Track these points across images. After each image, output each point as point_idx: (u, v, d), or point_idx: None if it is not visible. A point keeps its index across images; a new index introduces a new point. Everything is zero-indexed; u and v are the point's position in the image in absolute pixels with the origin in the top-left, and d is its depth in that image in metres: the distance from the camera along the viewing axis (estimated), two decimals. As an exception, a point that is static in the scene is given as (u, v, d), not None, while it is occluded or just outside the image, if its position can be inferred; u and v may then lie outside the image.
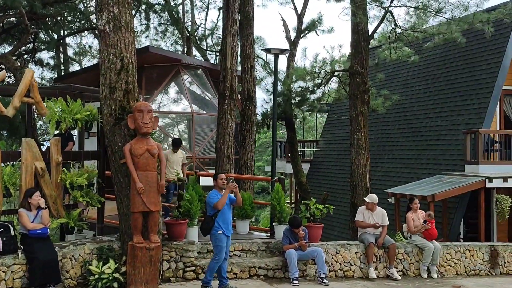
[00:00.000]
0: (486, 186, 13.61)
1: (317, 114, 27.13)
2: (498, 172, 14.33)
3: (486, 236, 14.20)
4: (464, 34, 15.84)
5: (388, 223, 10.43)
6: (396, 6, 15.90)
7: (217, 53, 27.05)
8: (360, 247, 9.99)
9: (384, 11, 15.78)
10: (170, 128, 20.34)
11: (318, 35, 21.31)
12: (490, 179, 13.57)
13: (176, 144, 11.73)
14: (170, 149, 11.74)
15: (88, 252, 8.27)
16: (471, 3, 15.04)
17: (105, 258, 8.14)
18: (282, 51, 9.60)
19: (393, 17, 16.10)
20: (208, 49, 29.37)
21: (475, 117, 15.75)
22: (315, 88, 19.26)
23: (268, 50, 9.39)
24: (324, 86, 18.42)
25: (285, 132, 22.72)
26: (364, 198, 10.29)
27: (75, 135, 13.44)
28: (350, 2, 15.13)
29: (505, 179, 13.72)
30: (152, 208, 7.97)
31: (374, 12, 15.95)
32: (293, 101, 20.82)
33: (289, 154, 24.16)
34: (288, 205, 9.95)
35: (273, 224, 9.96)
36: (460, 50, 17.29)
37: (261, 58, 20.79)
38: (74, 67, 29.36)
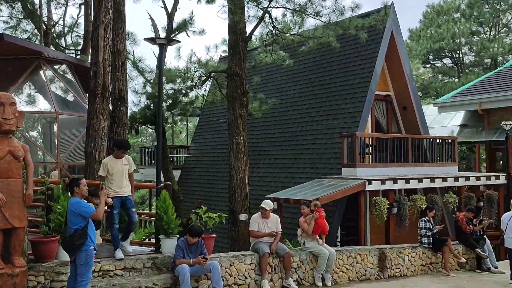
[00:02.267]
0: (366, 189, 13.69)
1: (188, 118, 26.17)
2: (373, 174, 14.54)
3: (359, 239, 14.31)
4: (338, 39, 15.97)
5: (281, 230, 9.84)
6: (274, 7, 15.61)
7: (78, 52, 24.85)
8: (255, 257, 9.22)
9: (262, 11, 15.41)
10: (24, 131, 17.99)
11: (189, 36, 20.41)
12: (370, 182, 13.67)
13: (122, 146, 8.73)
14: (111, 155, 8.83)
15: None
16: (346, 8, 15.23)
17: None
18: (169, 41, 8.53)
19: (271, 18, 15.79)
20: (68, 48, 26.93)
21: (350, 121, 15.91)
22: (188, 91, 18.31)
23: (153, 40, 8.27)
24: (199, 88, 17.53)
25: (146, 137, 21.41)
26: (261, 205, 9.53)
27: None
28: (228, 0, 14.50)
29: (383, 181, 13.91)
30: (16, 224, 6.49)
31: (252, 11, 15.52)
32: (164, 104, 19.70)
33: (158, 161, 22.93)
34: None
35: (159, 237, 8.79)
36: (334, 55, 17.48)
37: (129, 58, 19.33)
38: None
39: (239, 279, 8.97)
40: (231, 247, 14.61)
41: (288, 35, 16.43)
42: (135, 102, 19.69)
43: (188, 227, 8.33)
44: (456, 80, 39.37)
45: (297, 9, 15.72)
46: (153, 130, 33.17)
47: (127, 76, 16.40)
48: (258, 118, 17.85)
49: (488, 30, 40.83)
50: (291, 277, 9.49)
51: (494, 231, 15.90)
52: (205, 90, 19.52)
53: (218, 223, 9.12)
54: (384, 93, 17.29)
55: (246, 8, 15.10)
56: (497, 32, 40.40)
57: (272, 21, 15.87)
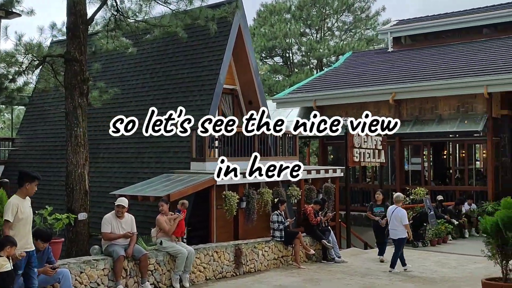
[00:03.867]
0: (217, 184, 13.38)
1: (13, 107, 23.53)
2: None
3: (209, 235, 14.01)
4: (185, 29, 15.43)
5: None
6: (119, -10, 14.56)
7: None
8: (108, 262, 8.33)
9: (106, -8, 14.26)
10: None
11: (20, 15, 18.12)
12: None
13: (36, 177, 6.75)
14: (16, 195, 6.64)
15: None
16: (197, -4, 14.75)
17: None
18: (8, 14, 7.22)
19: (115, 1, 14.69)
20: None
21: (199, 114, 15.44)
22: (16, 76, 16.30)
23: (-13, 11, 6.92)
24: (31, 74, 15.66)
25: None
26: (117, 203, 8.64)
27: None
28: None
29: (233, 175, 13.72)
30: None
31: (94, -9, 14.26)
32: (-15, 90, 17.36)
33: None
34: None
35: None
36: (180, 45, 16.89)
37: None
38: None
39: (91, 286, 8.03)
40: (68, 250, 13.28)
41: (132, 21, 15.48)
42: None
43: (34, 231, 7.16)
44: (286, 78, 41.22)
45: (144, -7, 14.85)
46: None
47: None
48: (97, 108, 16.55)
49: (315, 32, 43.45)
50: (148, 281, 8.79)
51: (331, 222, 16.74)
52: (37, 76, 17.58)
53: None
54: (231, 87, 17.18)
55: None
56: (323, 35, 43.17)
57: (116, 4, 14.79)
